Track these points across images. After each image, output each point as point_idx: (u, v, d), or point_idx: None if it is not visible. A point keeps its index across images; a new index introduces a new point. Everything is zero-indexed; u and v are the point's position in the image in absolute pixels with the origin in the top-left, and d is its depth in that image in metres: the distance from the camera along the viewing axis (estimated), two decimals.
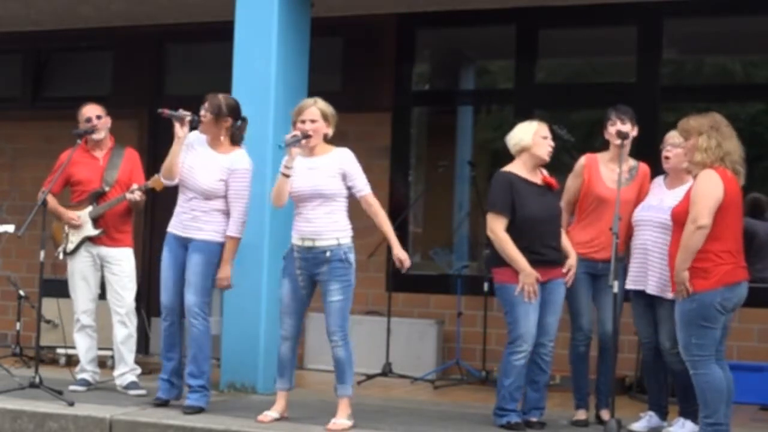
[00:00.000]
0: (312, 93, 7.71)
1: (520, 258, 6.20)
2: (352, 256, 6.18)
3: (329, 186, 6.13)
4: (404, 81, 9.66)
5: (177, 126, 6.58)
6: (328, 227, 6.12)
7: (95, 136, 7.31)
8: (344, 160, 6.20)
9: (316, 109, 6.21)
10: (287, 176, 6.12)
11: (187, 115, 6.59)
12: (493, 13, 9.12)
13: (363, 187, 6.21)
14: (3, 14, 9.81)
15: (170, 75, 10.49)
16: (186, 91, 10.28)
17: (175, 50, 10.47)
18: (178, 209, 6.68)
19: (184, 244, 6.62)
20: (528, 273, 6.18)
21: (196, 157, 6.61)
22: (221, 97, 6.64)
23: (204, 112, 6.58)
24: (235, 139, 6.70)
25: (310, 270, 6.17)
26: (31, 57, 10.87)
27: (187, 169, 6.59)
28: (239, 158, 6.61)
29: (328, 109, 6.24)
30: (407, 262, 6.15)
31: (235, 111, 6.66)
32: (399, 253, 6.15)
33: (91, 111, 7.35)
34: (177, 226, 6.65)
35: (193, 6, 9.36)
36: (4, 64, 11.05)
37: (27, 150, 10.49)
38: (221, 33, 8.14)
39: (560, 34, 9.42)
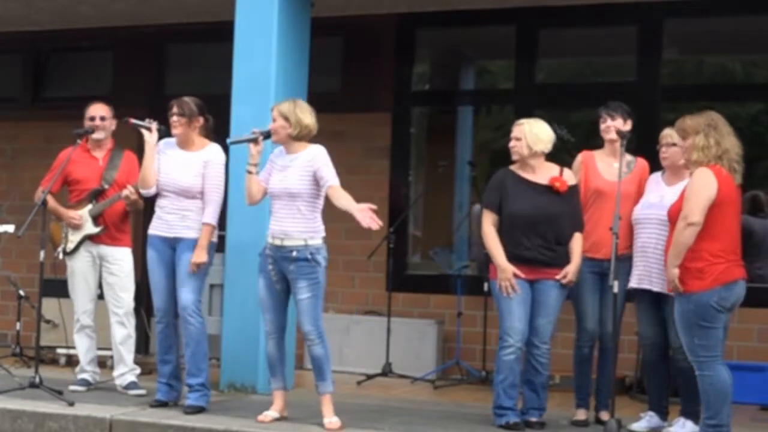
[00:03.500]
0: (312, 93, 7.73)
1: (498, 252, 6.29)
2: (320, 257, 6.18)
3: (297, 186, 6.17)
4: (404, 81, 9.66)
5: (146, 134, 6.71)
6: (296, 227, 6.16)
7: (96, 136, 7.32)
8: (313, 155, 6.22)
9: (276, 110, 6.31)
10: (250, 173, 6.28)
11: (154, 123, 6.73)
12: (493, 13, 9.12)
13: (329, 177, 6.16)
14: (3, 14, 9.81)
15: (170, 75, 10.48)
16: (186, 91, 10.18)
17: (175, 50, 10.46)
18: (159, 212, 6.73)
19: (172, 245, 6.67)
20: (503, 268, 6.25)
21: (170, 160, 6.71)
22: (187, 99, 6.77)
23: (176, 117, 6.69)
24: (208, 136, 6.85)
25: (280, 267, 6.22)
26: (31, 57, 10.87)
27: (165, 173, 6.68)
28: (213, 152, 6.75)
29: (289, 109, 6.26)
30: (372, 215, 5.93)
31: (203, 109, 6.80)
32: (358, 207, 5.98)
33: (95, 111, 7.36)
34: (161, 227, 6.69)
35: (193, 6, 9.36)
36: (4, 64, 11.05)
37: (27, 150, 10.49)
38: (221, 33, 8.14)
39: (560, 34, 9.42)
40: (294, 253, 6.15)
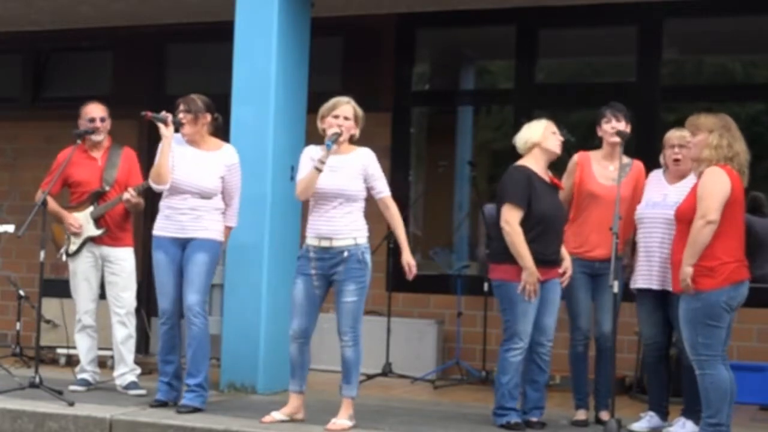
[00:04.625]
0: (312, 93, 7.73)
1: (528, 255, 6.17)
2: (368, 257, 6.17)
3: (352, 187, 6.12)
4: (404, 81, 9.66)
5: (162, 127, 6.62)
6: (347, 226, 6.11)
7: (95, 137, 7.31)
8: (367, 160, 6.19)
9: (351, 107, 6.24)
10: (320, 171, 6.08)
11: (170, 116, 6.67)
12: (493, 13, 9.12)
13: (383, 188, 6.21)
14: (3, 14, 9.81)
15: (170, 75, 10.49)
16: (186, 91, 10.18)
17: (175, 50, 10.47)
18: (168, 211, 6.64)
19: (183, 244, 6.61)
20: (532, 272, 6.17)
21: (184, 158, 6.64)
22: (194, 96, 6.74)
23: (182, 114, 6.65)
24: (217, 135, 6.81)
25: (325, 270, 6.14)
26: (31, 57, 10.87)
27: (183, 173, 6.60)
28: (232, 153, 6.75)
29: (359, 110, 6.28)
30: (414, 269, 6.16)
31: (210, 107, 6.75)
32: (408, 258, 6.17)
33: (95, 111, 7.35)
34: (171, 228, 6.62)
35: (193, 6, 9.36)
36: (4, 64, 11.06)
37: (27, 150, 10.49)
38: (221, 33, 8.14)
39: (560, 34, 9.42)
40: (345, 254, 6.09)
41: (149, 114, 6.68)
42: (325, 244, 6.10)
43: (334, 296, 6.22)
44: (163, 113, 6.66)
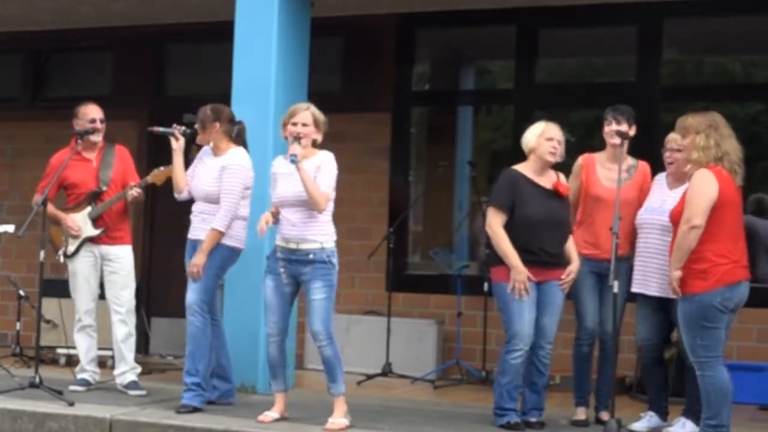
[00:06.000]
0: (312, 93, 7.73)
1: (513, 255, 6.23)
2: (335, 259, 6.22)
3: None
4: (404, 81, 9.66)
5: (172, 141, 6.78)
6: (312, 231, 6.16)
7: (94, 138, 7.31)
8: (321, 161, 6.20)
9: (309, 113, 6.23)
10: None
11: (177, 129, 6.78)
12: (493, 13, 9.12)
13: (323, 185, 6.14)
14: (3, 14, 9.81)
15: (170, 75, 10.49)
16: (186, 91, 10.28)
17: (175, 50, 10.47)
18: (191, 216, 6.79)
19: (195, 246, 6.70)
20: (519, 271, 6.21)
21: (201, 167, 6.78)
22: (208, 105, 6.79)
23: (196, 125, 6.75)
24: (236, 142, 6.81)
25: (293, 270, 6.21)
26: (31, 57, 10.87)
27: (193, 179, 6.77)
28: (232, 156, 6.71)
29: (320, 115, 6.26)
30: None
31: (219, 113, 6.76)
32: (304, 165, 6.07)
33: (95, 112, 7.35)
34: (192, 230, 6.75)
35: (193, 6, 9.36)
36: (4, 64, 11.05)
37: (27, 150, 10.49)
38: (221, 33, 8.15)
39: (560, 34, 9.42)
40: (311, 256, 6.14)
41: (156, 129, 6.77)
42: (292, 246, 6.17)
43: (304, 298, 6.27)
44: (174, 126, 6.80)
